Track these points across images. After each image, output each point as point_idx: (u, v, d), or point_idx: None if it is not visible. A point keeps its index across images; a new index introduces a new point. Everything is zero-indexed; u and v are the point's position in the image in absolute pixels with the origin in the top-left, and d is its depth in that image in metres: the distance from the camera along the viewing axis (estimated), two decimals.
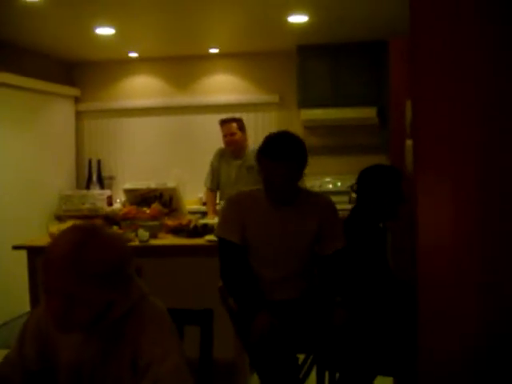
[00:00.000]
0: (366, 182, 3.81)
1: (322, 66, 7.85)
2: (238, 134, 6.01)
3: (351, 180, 7.30)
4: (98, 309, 1.96)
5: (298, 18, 6.40)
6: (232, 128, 6.00)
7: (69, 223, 5.03)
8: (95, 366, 2.04)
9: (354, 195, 6.61)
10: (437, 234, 2.39)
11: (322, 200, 3.56)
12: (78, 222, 5.10)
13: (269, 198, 3.41)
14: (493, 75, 2.25)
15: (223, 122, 6.12)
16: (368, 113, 7.69)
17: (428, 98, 2.34)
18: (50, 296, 1.91)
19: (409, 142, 4.80)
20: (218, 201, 6.32)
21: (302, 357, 3.49)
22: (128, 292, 2.05)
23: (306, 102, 7.85)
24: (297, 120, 8.02)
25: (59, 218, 7.12)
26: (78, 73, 8.86)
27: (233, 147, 6.09)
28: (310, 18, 6.42)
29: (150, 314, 2.07)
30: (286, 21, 6.48)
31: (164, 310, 2.13)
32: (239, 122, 6.11)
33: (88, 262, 1.87)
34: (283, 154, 3.21)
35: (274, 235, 3.40)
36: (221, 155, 6.24)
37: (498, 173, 2.29)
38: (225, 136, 6.05)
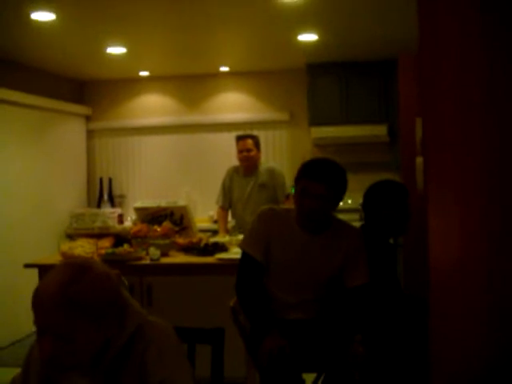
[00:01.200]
0: (370, 199, 3.79)
1: (331, 83, 7.87)
2: (254, 151, 5.99)
3: (362, 198, 7.30)
4: (94, 348, 1.93)
5: (308, 37, 6.42)
6: (248, 144, 5.97)
7: (80, 241, 5.05)
8: None
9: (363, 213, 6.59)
10: (447, 251, 2.38)
11: (352, 233, 3.50)
12: (87, 240, 5.14)
13: (299, 223, 3.39)
14: (503, 92, 2.26)
15: (239, 138, 6.09)
16: (378, 130, 7.69)
17: (438, 116, 2.34)
18: (41, 336, 1.88)
19: (419, 160, 4.80)
20: (229, 219, 6.31)
21: (311, 377, 3.45)
22: (125, 321, 2.00)
23: (316, 120, 7.86)
24: (307, 138, 8.03)
25: (70, 237, 7.14)
26: (89, 91, 8.91)
27: (247, 164, 6.06)
28: (319, 37, 6.44)
29: (154, 336, 2.02)
30: (296, 39, 6.51)
31: (168, 329, 2.09)
32: (255, 138, 6.10)
33: (77, 300, 1.84)
34: (325, 176, 3.23)
35: (296, 261, 3.37)
36: (233, 173, 6.22)
37: (510, 190, 2.28)
38: (240, 152, 6.01)
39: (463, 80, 2.28)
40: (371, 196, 3.80)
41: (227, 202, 6.26)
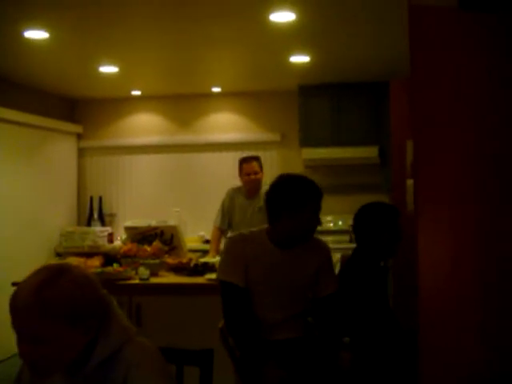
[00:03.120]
0: (362, 221, 3.81)
1: (323, 105, 7.90)
2: (260, 173, 5.96)
3: (352, 219, 7.31)
4: (74, 351, 1.92)
5: (300, 58, 6.46)
6: (254, 166, 5.92)
7: (69, 260, 5.03)
8: None
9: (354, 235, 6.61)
10: (437, 273, 2.39)
11: (321, 244, 3.59)
12: (76, 258, 5.13)
13: (271, 240, 3.42)
14: (493, 114, 2.27)
15: (244, 161, 6.03)
16: (369, 152, 7.71)
17: (428, 139, 2.35)
18: (20, 340, 1.87)
19: (410, 182, 4.82)
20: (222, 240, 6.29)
21: None
22: (109, 333, 1.98)
23: (307, 141, 7.88)
24: (298, 159, 8.04)
25: (60, 255, 7.09)
26: (80, 110, 8.92)
27: (253, 186, 6.00)
28: (311, 59, 6.48)
29: (137, 356, 1.99)
30: (288, 61, 6.54)
31: (154, 351, 2.06)
32: (259, 160, 6.05)
33: (53, 301, 1.83)
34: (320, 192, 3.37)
35: (275, 277, 3.38)
36: (233, 194, 6.17)
37: (497, 212, 2.29)
38: (247, 175, 5.94)
39: (454, 104, 2.30)
40: (363, 218, 3.81)
41: (225, 223, 6.23)
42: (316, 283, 3.48)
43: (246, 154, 8.37)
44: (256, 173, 5.90)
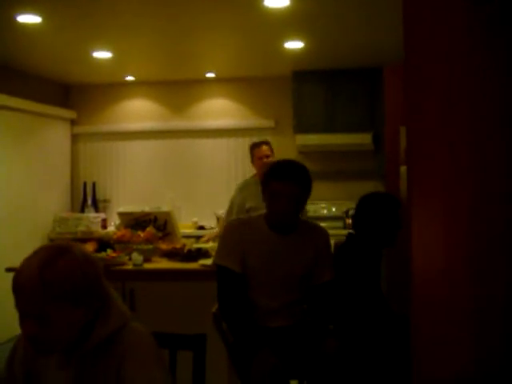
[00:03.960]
0: (365, 209, 3.82)
1: (317, 91, 7.89)
2: (271, 156, 5.85)
3: (346, 205, 7.32)
4: (74, 329, 1.94)
5: (294, 44, 6.44)
6: (266, 150, 5.85)
7: None
8: None
9: (348, 221, 6.63)
10: (431, 260, 2.39)
11: (320, 231, 3.59)
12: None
13: (269, 225, 3.43)
14: (488, 101, 2.27)
15: (256, 145, 5.95)
16: (363, 139, 7.71)
17: (422, 125, 2.35)
18: (23, 319, 1.89)
19: (403, 168, 4.82)
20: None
21: (295, 383, 3.46)
22: (108, 316, 2.01)
23: (301, 128, 7.88)
24: (292, 145, 8.03)
25: (53, 241, 7.10)
26: (74, 95, 8.89)
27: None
28: (305, 44, 6.46)
29: (132, 341, 2.01)
30: (283, 46, 6.52)
31: (148, 336, 2.07)
32: (269, 144, 5.98)
33: (54, 280, 1.85)
34: (291, 174, 3.29)
35: (272, 263, 3.39)
36: (243, 187, 6.01)
37: (491, 198, 2.29)
38: (259, 159, 5.83)
39: (448, 89, 2.29)
40: (365, 207, 3.82)
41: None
42: (313, 270, 3.48)
43: (240, 140, 8.42)
44: (268, 156, 5.79)
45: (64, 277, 1.87)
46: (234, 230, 3.50)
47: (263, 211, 3.49)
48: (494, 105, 2.26)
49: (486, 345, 2.32)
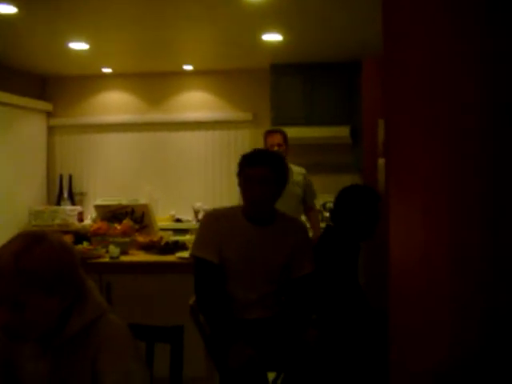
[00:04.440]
0: (344, 202, 3.82)
1: (295, 84, 7.88)
2: (284, 147, 5.64)
3: (324, 198, 7.33)
4: (49, 318, 1.93)
5: (272, 37, 6.43)
6: (278, 138, 5.63)
7: None
8: (52, 383, 1.99)
9: (326, 214, 6.64)
10: (408, 252, 2.39)
11: (298, 224, 3.61)
12: None
13: (246, 216, 3.43)
14: (468, 94, 2.27)
15: (269, 133, 5.77)
16: (341, 132, 7.72)
17: (400, 118, 2.35)
18: None
19: (381, 161, 4.83)
20: None
21: (272, 375, 3.47)
22: (84, 306, 2.01)
23: (279, 121, 7.86)
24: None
25: None
26: (50, 87, 8.81)
27: None
28: (283, 37, 6.46)
29: (108, 333, 2.01)
30: (260, 39, 6.51)
31: (124, 328, 2.07)
32: (284, 133, 5.74)
33: (29, 268, 1.84)
34: (264, 160, 3.33)
35: (250, 255, 3.39)
36: None
37: (470, 190, 2.30)
38: (271, 146, 5.57)
39: (427, 82, 2.29)
40: (343, 199, 3.83)
41: None
42: (291, 263, 3.48)
43: (217, 133, 8.39)
44: (280, 145, 5.58)
45: (39, 264, 1.86)
46: (211, 221, 3.49)
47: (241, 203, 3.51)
48: (474, 97, 2.26)
49: (464, 337, 2.33)
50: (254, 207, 3.40)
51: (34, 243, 1.89)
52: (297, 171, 5.72)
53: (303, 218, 5.86)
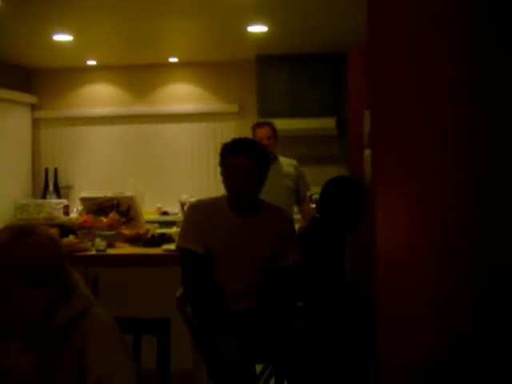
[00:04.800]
0: (331, 193, 3.84)
1: (281, 76, 7.88)
2: (273, 139, 5.59)
3: (310, 190, 7.33)
4: (35, 311, 1.93)
5: (258, 28, 6.41)
6: (268, 131, 5.58)
7: None
8: (37, 378, 1.99)
9: (312, 205, 6.65)
10: (395, 244, 2.40)
11: (282, 213, 3.61)
12: None
13: (230, 206, 3.45)
14: (453, 84, 2.28)
15: (258, 126, 5.71)
16: (327, 123, 7.72)
17: (386, 108, 2.35)
18: None
19: (367, 152, 4.84)
20: None
21: (260, 366, 3.48)
22: (70, 299, 2.01)
23: (265, 112, 7.85)
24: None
25: None
26: (35, 80, 8.75)
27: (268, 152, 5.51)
28: (269, 29, 6.44)
29: (95, 326, 2.01)
30: (246, 31, 6.49)
31: (111, 321, 2.07)
32: (272, 125, 5.69)
33: (16, 260, 1.84)
34: (244, 148, 3.36)
35: (235, 245, 3.40)
36: None
37: (455, 181, 2.31)
38: (260, 140, 5.28)
39: (413, 73, 2.29)
40: (329, 190, 3.84)
41: None
42: (277, 253, 3.49)
43: (203, 125, 8.38)
44: (269, 138, 5.53)
45: (26, 257, 1.86)
46: (196, 212, 3.51)
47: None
48: (459, 88, 2.27)
49: (451, 328, 2.34)
50: (236, 196, 3.41)
51: (20, 236, 1.89)
52: (287, 163, 5.72)
53: (295, 209, 5.86)
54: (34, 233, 1.93)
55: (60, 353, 1.97)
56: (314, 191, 6.89)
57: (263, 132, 5.56)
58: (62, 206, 7.73)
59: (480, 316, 2.30)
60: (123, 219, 5.33)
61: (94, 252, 4.73)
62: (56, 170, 8.56)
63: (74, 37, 6.65)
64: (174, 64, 8.44)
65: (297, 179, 5.71)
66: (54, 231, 5.06)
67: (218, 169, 3.49)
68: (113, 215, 5.19)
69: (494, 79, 2.21)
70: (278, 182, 5.36)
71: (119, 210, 5.44)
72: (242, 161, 3.32)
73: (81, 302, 2.04)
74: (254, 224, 3.44)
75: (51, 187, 8.44)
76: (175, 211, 7.99)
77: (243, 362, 3.15)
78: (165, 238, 4.95)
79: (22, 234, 1.90)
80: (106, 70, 8.61)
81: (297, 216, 5.76)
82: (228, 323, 3.27)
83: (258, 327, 3.41)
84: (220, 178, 3.49)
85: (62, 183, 8.60)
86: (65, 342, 1.98)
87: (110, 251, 4.78)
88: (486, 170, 2.25)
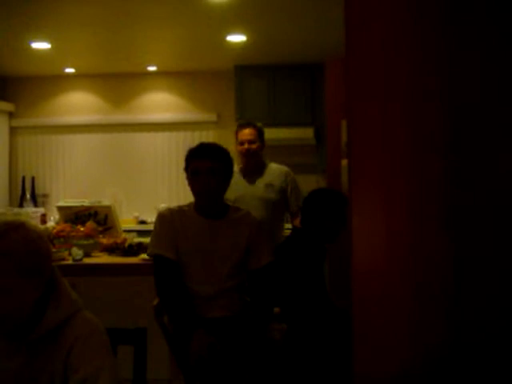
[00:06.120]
0: (311, 205, 3.86)
1: (259, 86, 7.90)
2: (257, 143, 4.81)
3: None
4: (24, 305, 1.95)
5: (236, 38, 6.43)
6: (250, 134, 4.80)
7: None
8: (22, 379, 1.99)
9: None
10: (371, 253, 2.41)
11: (249, 217, 3.64)
12: None
13: (197, 211, 3.51)
14: (429, 94, 2.30)
15: (240, 127, 4.93)
16: (305, 133, 7.75)
17: (362, 118, 2.37)
18: None
19: (344, 162, 4.86)
20: None
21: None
22: (59, 301, 2.03)
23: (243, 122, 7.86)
24: (234, 139, 8.01)
25: None
26: (12, 87, 8.70)
27: (248, 159, 4.87)
28: (247, 38, 6.46)
29: (83, 329, 2.03)
30: (225, 40, 6.51)
31: (99, 326, 2.09)
32: (258, 127, 4.89)
33: (6, 250, 1.88)
34: (208, 152, 3.45)
35: (205, 249, 3.44)
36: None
37: (433, 192, 2.32)
38: (241, 144, 4.81)
39: (389, 83, 2.31)
40: (315, 204, 3.86)
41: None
42: (248, 256, 3.52)
43: (181, 134, 8.37)
44: (252, 142, 4.78)
45: (17, 247, 1.90)
46: (165, 219, 3.55)
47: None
48: (435, 98, 2.29)
49: (426, 337, 2.35)
50: (202, 199, 3.48)
51: (10, 230, 1.93)
52: (275, 172, 4.96)
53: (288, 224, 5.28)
54: (23, 227, 1.97)
55: (47, 355, 1.98)
56: None
57: (245, 135, 4.83)
58: (39, 214, 7.66)
59: (455, 326, 2.32)
60: (100, 228, 5.31)
61: (70, 261, 4.69)
62: (33, 179, 8.51)
63: (52, 45, 6.62)
64: (152, 73, 8.43)
65: (283, 190, 4.88)
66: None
67: (184, 173, 3.56)
68: (90, 224, 5.17)
69: (470, 89, 2.24)
70: (254, 194, 4.79)
71: (96, 218, 5.42)
72: (205, 164, 3.39)
73: (70, 305, 2.06)
74: (221, 227, 3.49)
75: (28, 196, 8.38)
76: (153, 220, 7.94)
77: (216, 356, 3.17)
78: (142, 247, 4.93)
79: (12, 227, 1.94)
80: (84, 78, 8.58)
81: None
82: (201, 322, 3.29)
83: (235, 336, 3.41)
84: (187, 183, 3.54)
85: (39, 192, 8.55)
86: (52, 344, 1.99)
87: (87, 260, 4.75)
88: (461, 179, 2.27)
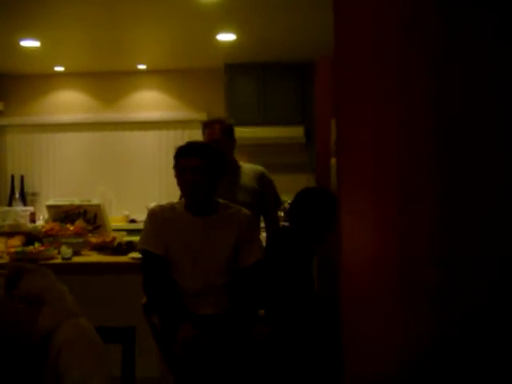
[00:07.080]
0: (301, 205, 3.84)
1: (249, 84, 7.91)
2: (225, 144, 4.35)
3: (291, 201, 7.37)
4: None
5: (226, 36, 6.44)
6: (216, 132, 4.36)
7: None
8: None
9: (280, 213, 6.67)
10: (360, 252, 2.41)
11: (241, 213, 3.62)
12: None
13: (186, 208, 3.52)
14: (419, 94, 2.30)
15: (206, 125, 4.51)
16: (295, 132, 7.76)
17: (351, 116, 2.37)
18: None
19: (334, 161, 4.86)
20: None
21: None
22: (51, 311, 2.06)
23: (233, 120, 7.86)
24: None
25: None
26: (1, 86, 8.64)
27: None
28: (237, 37, 6.47)
29: (73, 334, 2.04)
30: (215, 38, 6.51)
31: (90, 330, 2.10)
32: (225, 124, 4.47)
33: None
34: (195, 149, 3.47)
35: (195, 244, 3.45)
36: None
37: (423, 191, 2.33)
38: (208, 142, 4.17)
39: (378, 82, 2.32)
40: (304, 204, 3.84)
41: None
42: (238, 254, 3.51)
43: (171, 132, 8.36)
44: (217, 141, 4.19)
45: None
46: (155, 216, 3.58)
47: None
48: (425, 98, 2.29)
49: (415, 339, 2.36)
50: (190, 196, 3.50)
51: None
52: (248, 172, 4.56)
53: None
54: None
55: (39, 361, 1.99)
56: (283, 200, 6.91)
57: (211, 133, 4.40)
58: (28, 213, 7.65)
59: (445, 325, 2.33)
60: (90, 227, 5.30)
61: (59, 260, 4.68)
62: (22, 177, 8.48)
63: (42, 43, 6.61)
64: (142, 71, 8.42)
65: (256, 192, 4.46)
66: (19, 239, 5.02)
67: (173, 172, 3.56)
68: (79, 223, 5.16)
69: (461, 88, 2.24)
70: (229, 196, 4.06)
71: (86, 217, 5.41)
72: (192, 162, 3.41)
73: (63, 313, 2.09)
74: (211, 224, 3.50)
75: (17, 194, 8.36)
76: (143, 219, 7.94)
77: (199, 348, 3.19)
78: (132, 246, 4.92)
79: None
80: (74, 77, 8.55)
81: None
82: (189, 316, 3.30)
83: (221, 334, 3.40)
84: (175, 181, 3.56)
85: (28, 190, 8.52)
86: (44, 351, 1.99)
87: (76, 259, 4.74)
88: (452, 179, 2.28)
